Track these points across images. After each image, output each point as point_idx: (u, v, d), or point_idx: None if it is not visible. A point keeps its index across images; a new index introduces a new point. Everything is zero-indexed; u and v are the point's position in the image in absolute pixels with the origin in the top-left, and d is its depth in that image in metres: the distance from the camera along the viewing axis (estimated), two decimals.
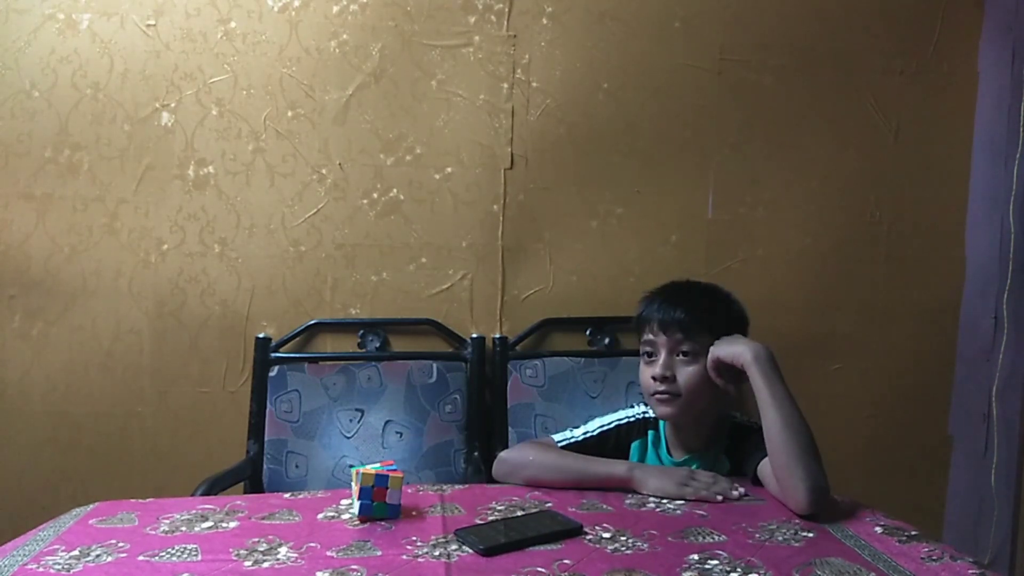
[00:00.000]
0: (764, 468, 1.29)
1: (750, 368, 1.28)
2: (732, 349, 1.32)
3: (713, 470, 1.38)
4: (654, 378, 1.39)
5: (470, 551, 1.05)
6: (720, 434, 1.44)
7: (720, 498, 1.25)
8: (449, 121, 2.06)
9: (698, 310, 1.39)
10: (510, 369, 2.03)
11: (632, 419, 1.51)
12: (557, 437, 1.48)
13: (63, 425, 2.01)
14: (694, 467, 1.40)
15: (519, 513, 1.19)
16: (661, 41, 2.10)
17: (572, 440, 1.48)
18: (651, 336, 1.41)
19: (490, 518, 1.17)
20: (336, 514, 1.20)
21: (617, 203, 2.11)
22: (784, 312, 2.15)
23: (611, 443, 1.49)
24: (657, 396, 1.39)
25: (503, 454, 1.44)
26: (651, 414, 1.49)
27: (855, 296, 2.19)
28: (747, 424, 1.43)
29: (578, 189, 2.10)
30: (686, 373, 1.37)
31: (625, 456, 1.49)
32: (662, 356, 1.39)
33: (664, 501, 1.25)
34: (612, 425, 1.51)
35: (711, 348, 1.35)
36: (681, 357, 1.38)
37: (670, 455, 1.46)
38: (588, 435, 1.49)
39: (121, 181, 1.99)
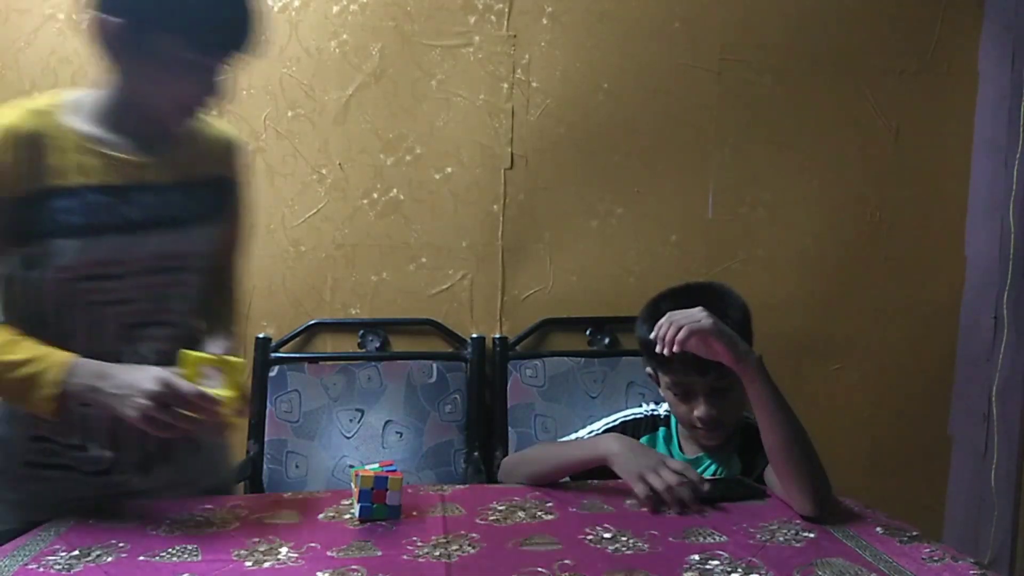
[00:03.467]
0: (771, 472, 1.27)
1: (740, 368, 1.20)
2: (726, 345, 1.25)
3: (725, 469, 1.38)
4: (700, 418, 1.33)
5: (471, 551, 1.04)
6: (733, 434, 1.43)
7: (671, 511, 1.16)
8: (449, 121, 2.05)
9: None
10: (510, 369, 2.03)
11: (640, 416, 1.51)
12: (564, 440, 1.48)
13: None
14: (706, 464, 1.40)
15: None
16: (661, 41, 2.09)
17: (576, 439, 1.48)
18: (682, 378, 1.32)
19: (490, 518, 1.17)
20: (336, 514, 1.19)
21: (617, 203, 2.11)
22: (784, 312, 2.14)
23: None
24: (702, 432, 1.37)
25: (505, 458, 1.45)
26: (661, 412, 1.48)
27: (855, 296, 2.19)
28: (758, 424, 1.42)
29: (578, 189, 2.10)
30: (727, 406, 1.33)
31: None
32: (701, 399, 1.32)
33: None
34: (618, 421, 1.50)
35: (709, 322, 1.19)
36: (716, 392, 1.32)
37: (682, 452, 1.46)
38: (592, 433, 1.48)
39: None
